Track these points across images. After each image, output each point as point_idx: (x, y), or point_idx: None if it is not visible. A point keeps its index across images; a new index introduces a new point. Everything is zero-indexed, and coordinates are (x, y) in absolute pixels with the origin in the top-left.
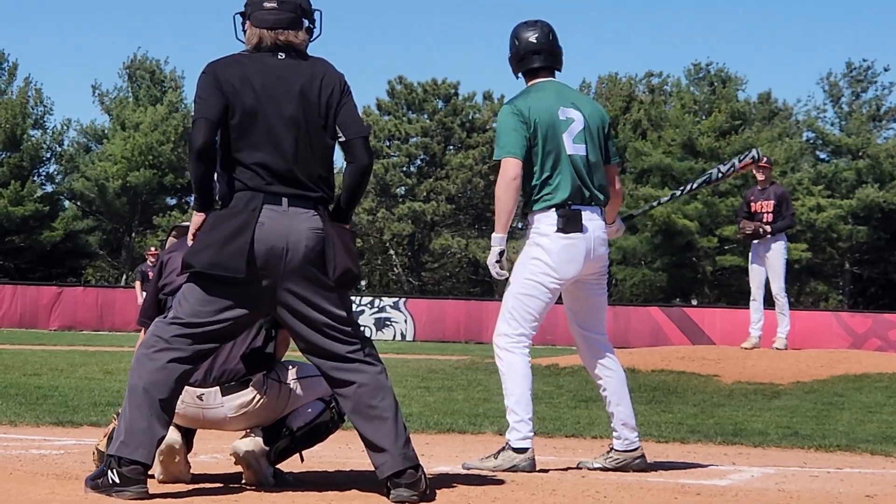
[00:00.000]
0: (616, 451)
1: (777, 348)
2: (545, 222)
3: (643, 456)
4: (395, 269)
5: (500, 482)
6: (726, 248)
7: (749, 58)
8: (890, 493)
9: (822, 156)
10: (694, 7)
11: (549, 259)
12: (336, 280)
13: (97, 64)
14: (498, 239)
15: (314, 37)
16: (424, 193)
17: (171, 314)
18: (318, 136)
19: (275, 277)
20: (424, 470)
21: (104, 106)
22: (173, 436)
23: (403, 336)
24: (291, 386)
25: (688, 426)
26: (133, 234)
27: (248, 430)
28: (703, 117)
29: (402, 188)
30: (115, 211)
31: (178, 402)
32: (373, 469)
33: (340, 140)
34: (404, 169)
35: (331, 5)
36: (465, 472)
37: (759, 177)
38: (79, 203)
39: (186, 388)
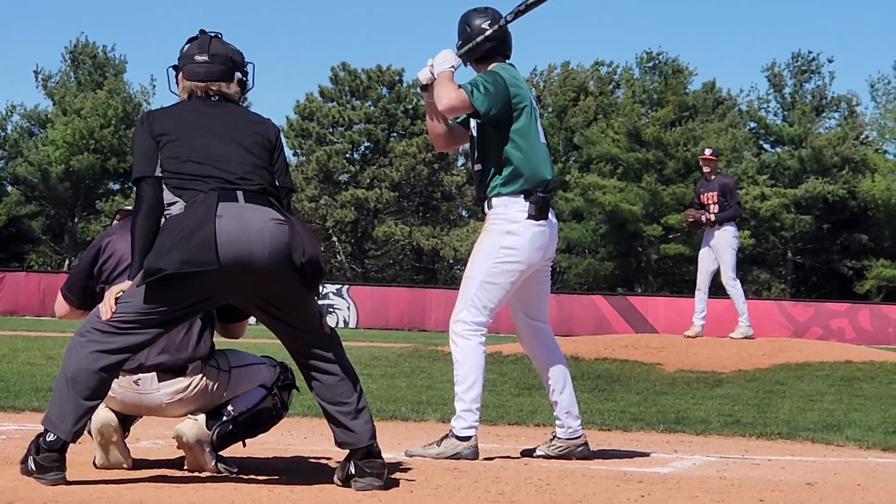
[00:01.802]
0: (559, 438)
1: (733, 337)
2: (515, 209)
3: (586, 444)
4: (337, 256)
5: (443, 469)
6: (670, 236)
7: (694, 47)
8: (830, 480)
9: (766, 145)
10: None
11: (520, 247)
12: (304, 267)
13: (40, 48)
14: (438, 68)
15: (247, 89)
16: (368, 180)
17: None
18: (260, 153)
19: (242, 267)
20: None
21: (47, 90)
22: (108, 416)
23: (346, 323)
24: (231, 373)
25: (630, 414)
26: (76, 220)
27: (190, 415)
28: (652, 108)
29: (346, 175)
30: (59, 196)
31: (116, 386)
32: (316, 457)
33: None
34: (347, 156)
35: None
36: (407, 459)
37: (705, 169)
38: (21, 188)
39: (123, 372)
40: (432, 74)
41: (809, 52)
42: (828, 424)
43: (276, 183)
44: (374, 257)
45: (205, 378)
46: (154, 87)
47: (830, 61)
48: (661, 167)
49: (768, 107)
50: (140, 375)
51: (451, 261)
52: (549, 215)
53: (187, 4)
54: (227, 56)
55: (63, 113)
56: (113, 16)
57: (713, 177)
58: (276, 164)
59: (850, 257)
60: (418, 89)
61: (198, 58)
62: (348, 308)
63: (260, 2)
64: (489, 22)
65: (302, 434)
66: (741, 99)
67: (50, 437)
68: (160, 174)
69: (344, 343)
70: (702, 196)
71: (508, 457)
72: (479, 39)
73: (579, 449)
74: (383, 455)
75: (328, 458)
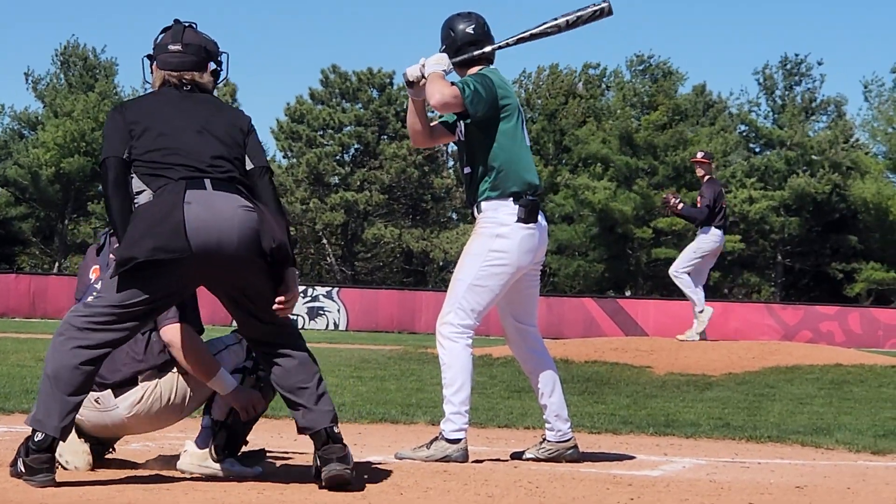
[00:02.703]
0: (549, 441)
1: (679, 339)
2: (504, 212)
3: (576, 446)
4: (327, 258)
5: (433, 472)
6: (661, 239)
7: (684, 50)
8: (820, 483)
9: (755, 148)
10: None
11: (509, 250)
12: (273, 253)
13: (30, 51)
14: (427, 70)
15: (221, 79)
16: (358, 183)
17: (89, 301)
18: (230, 143)
19: (212, 253)
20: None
21: (37, 93)
22: (83, 459)
23: (336, 326)
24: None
25: (620, 417)
26: (66, 222)
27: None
28: (644, 111)
29: (336, 177)
30: (49, 198)
31: (81, 408)
32: (305, 459)
33: (247, 168)
34: (338, 158)
35: None
36: (397, 461)
37: (698, 172)
38: (11, 190)
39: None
40: (422, 73)
41: (798, 55)
42: (818, 427)
43: (249, 167)
44: (364, 260)
45: (159, 385)
46: (146, 89)
47: (820, 64)
48: (651, 170)
49: (758, 110)
50: (98, 394)
51: (440, 263)
52: (539, 218)
53: (177, 7)
54: (201, 46)
55: (54, 115)
56: (104, 18)
57: (705, 179)
58: (249, 147)
59: (839, 260)
60: (404, 84)
61: (171, 47)
62: (338, 310)
63: (250, 4)
64: (473, 27)
65: (291, 436)
66: (731, 102)
67: (38, 438)
68: (127, 158)
69: (334, 345)
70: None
71: (498, 459)
72: (476, 54)
73: (569, 452)
74: (373, 458)
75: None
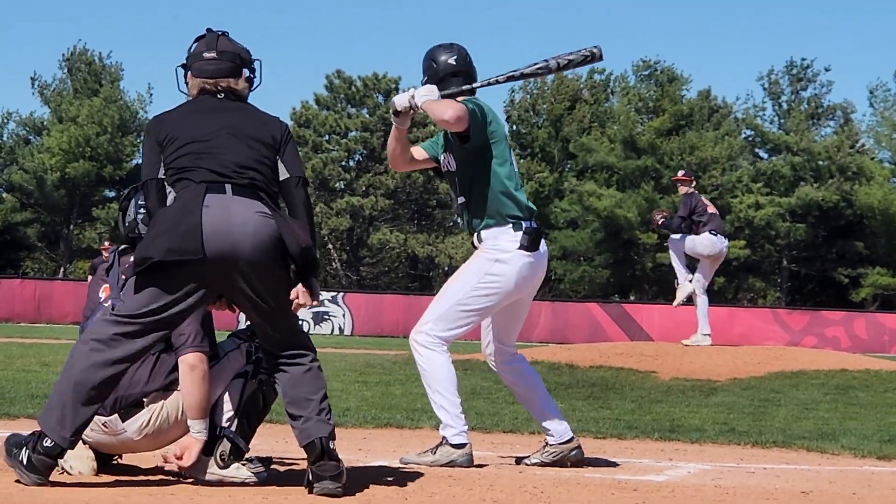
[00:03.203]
0: (551, 445)
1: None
2: (505, 238)
3: (579, 447)
4: (333, 263)
5: (438, 477)
6: (665, 244)
7: (689, 55)
8: (825, 489)
9: (761, 153)
10: (637, 3)
11: (508, 277)
12: (300, 256)
13: (37, 56)
14: (420, 99)
15: (255, 86)
16: (363, 188)
17: (114, 311)
18: (259, 148)
19: (227, 258)
20: (342, 463)
21: (44, 98)
22: (89, 465)
23: (341, 330)
24: None
25: (625, 422)
26: (71, 227)
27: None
28: (648, 116)
29: (341, 183)
30: (54, 203)
31: (89, 431)
32: (304, 466)
33: (282, 178)
34: (343, 163)
35: None
36: (402, 466)
37: (681, 190)
38: (17, 195)
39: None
40: (410, 104)
41: (804, 60)
42: (823, 433)
43: (285, 177)
44: (370, 265)
45: (165, 406)
46: (151, 94)
47: (827, 70)
48: (656, 176)
49: (764, 115)
50: (106, 418)
51: (446, 268)
52: (541, 246)
53: (183, 12)
54: (236, 53)
55: (59, 120)
56: (110, 23)
57: (690, 194)
58: (284, 156)
59: (845, 265)
60: (391, 113)
61: (206, 55)
62: (343, 315)
63: (255, 9)
64: (455, 58)
65: (296, 441)
66: (737, 107)
67: (48, 443)
68: (163, 175)
69: (339, 350)
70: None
71: (503, 464)
72: (464, 88)
73: (573, 453)
74: (378, 463)
75: None
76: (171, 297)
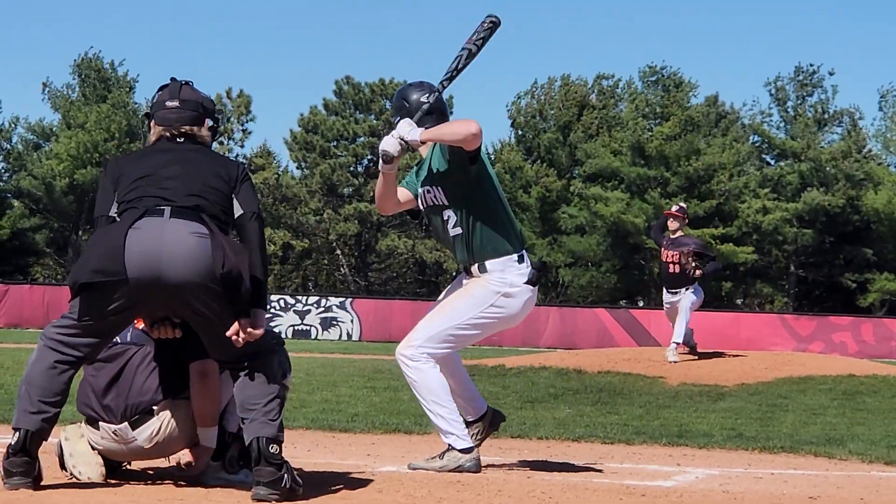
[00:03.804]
0: (472, 424)
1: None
2: (514, 272)
3: (496, 413)
4: (341, 269)
5: (446, 483)
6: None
7: (697, 61)
8: (833, 494)
9: (768, 159)
10: (644, 9)
11: (512, 310)
12: (223, 278)
13: (49, 62)
14: (417, 135)
15: (217, 136)
16: (371, 194)
17: (62, 316)
18: (212, 178)
19: (153, 278)
20: (293, 473)
21: (53, 104)
22: (98, 470)
23: (350, 336)
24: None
25: (633, 427)
26: (80, 233)
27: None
28: (656, 121)
29: (349, 188)
30: (62, 209)
31: (98, 438)
32: (319, 469)
33: (237, 214)
34: (351, 169)
35: (278, 5)
36: (410, 472)
37: (672, 226)
38: (25, 201)
39: (102, 425)
40: (401, 144)
41: (811, 66)
42: (831, 438)
43: (239, 213)
44: (378, 270)
45: (176, 414)
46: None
47: (831, 74)
48: (664, 182)
49: (771, 120)
50: (116, 426)
51: (454, 273)
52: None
53: (194, 18)
54: (198, 102)
55: (67, 126)
56: (123, 32)
57: (680, 236)
58: (240, 193)
59: (853, 271)
60: (380, 162)
61: (168, 104)
62: (352, 321)
63: (264, 16)
64: (427, 95)
65: (305, 447)
66: (744, 112)
67: (13, 440)
68: (114, 213)
69: (347, 356)
70: (663, 251)
71: (511, 470)
72: (424, 107)
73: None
74: (386, 468)
75: (331, 471)
76: (105, 312)
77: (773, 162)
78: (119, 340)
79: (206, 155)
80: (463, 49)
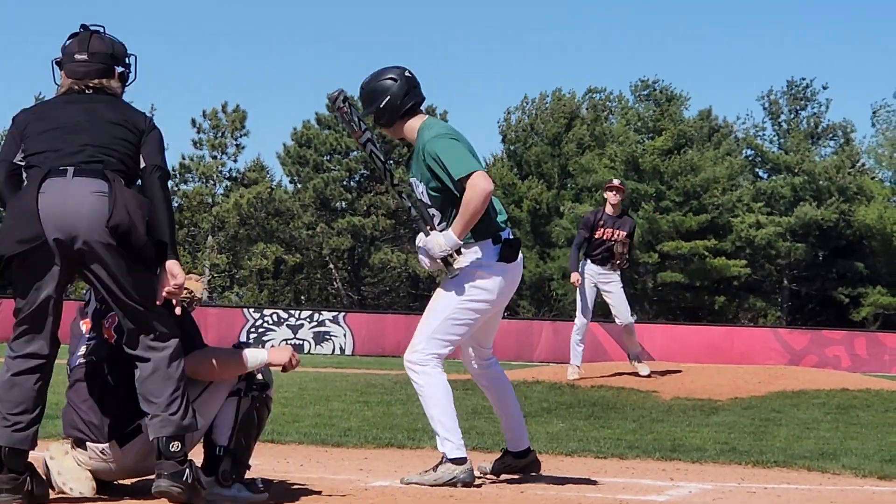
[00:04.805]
0: (509, 454)
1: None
2: (487, 252)
3: (536, 461)
4: (334, 283)
5: (439, 497)
6: (667, 263)
7: (690, 74)
8: None
9: (761, 173)
10: (636, 23)
11: (489, 288)
12: (111, 231)
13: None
14: (455, 240)
15: (130, 82)
16: (364, 208)
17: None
18: (119, 130)
19: (65, 240)
20: (196, 472)
21: None
22: (88, 485)
23: (343, 350)
24: (192, 406)
25: (626, 442)
26: None
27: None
28: (648, 135)
29: (342, 202)
30: None
31: (86, 458)
32: (312, 484)
33: (141, 167)
34: (344, 183)
35: (269, 20)
36: (403, 486)
37: (613, 200)
38: None
39: (89, 445)
40: (444, 260)
41: (804, 80)
42: (824, 452)
43: (143, 165)
44: (371, 284)
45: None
46: (153, 115)
47: (825, 88)
48: (658, 195)
49: (764, 134)
50: (103, 445)
51: None
52: (519, 256)
53: (189, 33)
54: (107, 53)
55: None
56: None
57: (620, 211)
58: (145, 146)
59: (846, 285)
60: (445, 271)
61: (78, 56)
62: (344, 335)
63: (257, 28)
64: (398, 73)
65: (298, 461)
66: (737, 126)
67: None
68: (20, 161)
69: (340, 370)
70: (601, 229)
71: (505, 485)
72: (367, 147)
73: (527, 466)
74: (379, 483)
75: (324, 486)
76: (41, 282)
77: (765, 176)
78: (81, 353)
79: (114, 107)
80: (365, 145)
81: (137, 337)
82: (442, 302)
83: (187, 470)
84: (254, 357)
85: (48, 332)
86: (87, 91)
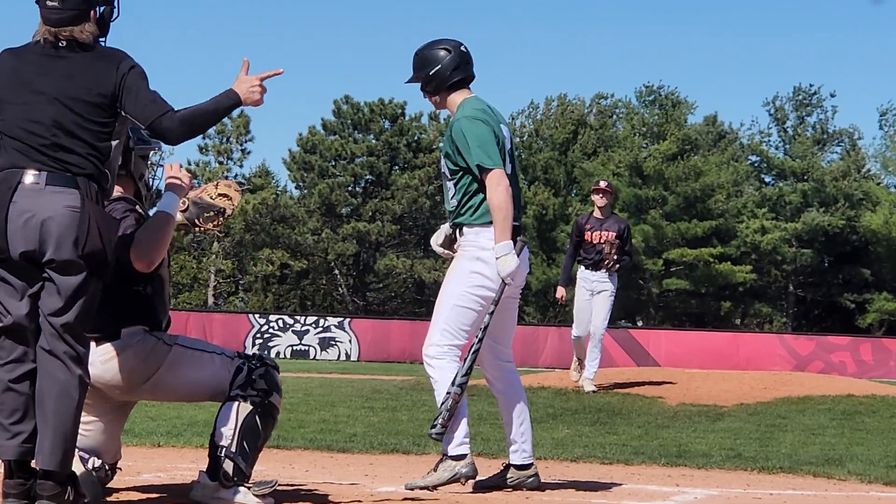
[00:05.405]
0: (512, 467)
1: (589, 391)
2: (485, 237)
3: (537, 474)
4: (339, 289)
5: (444, 503)
6: (672, 270)
7: (696, 81)
8: None
9: (767, 179)
10: (643, 30)
11: (489, 273)
12: (84, 258)
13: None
14: (506, 245)
15: (114, 18)
16: (370, 213)
17: None
18: (85, 112)
19: (31, 255)
20: (77, 485)
21: None
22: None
23: (348, 356)
24: (173, 349)
25: (632, 448)
26: None
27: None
28: (653, 140)
29: (348, 208)
30: None
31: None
32: (317, 489)
33: (144, 125)
34: (349, 189)
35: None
36: (408, 492)
37: (599, 202)
38: None
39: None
40: (510, 258)
41: (811, 86)
42: (830, 458)
43: (106, 142)
44: (376, 290)
45: (136, 345)
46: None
47: (833, 95)
48: (662, 201)
49: (770, 140)
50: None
51: None
52: (524, 250)
53: (194, 36)
54: None
55: None
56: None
57: (608, 214)
58: (127, 103)
59: (851, 291)
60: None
61: (49, 3)
62: (350, 341)
63: (262, 34)
64: (451, 46)
65: (303, 466)
66: (743, 132)
67: (3, 468)
68: None
69: (346, 376)
70: (589, 233)
71: (510, 491)
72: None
73: (530, 480)
74: (384, 489)
75: (329, 491)
76: (14, 286)
77: (771, 182)
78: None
79: (84, 73)
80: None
81: (49, 354)
82: (447, 291)
83: (70, 490)
84: (178, 197)
85: (31, 340)
86: (59, 44)
